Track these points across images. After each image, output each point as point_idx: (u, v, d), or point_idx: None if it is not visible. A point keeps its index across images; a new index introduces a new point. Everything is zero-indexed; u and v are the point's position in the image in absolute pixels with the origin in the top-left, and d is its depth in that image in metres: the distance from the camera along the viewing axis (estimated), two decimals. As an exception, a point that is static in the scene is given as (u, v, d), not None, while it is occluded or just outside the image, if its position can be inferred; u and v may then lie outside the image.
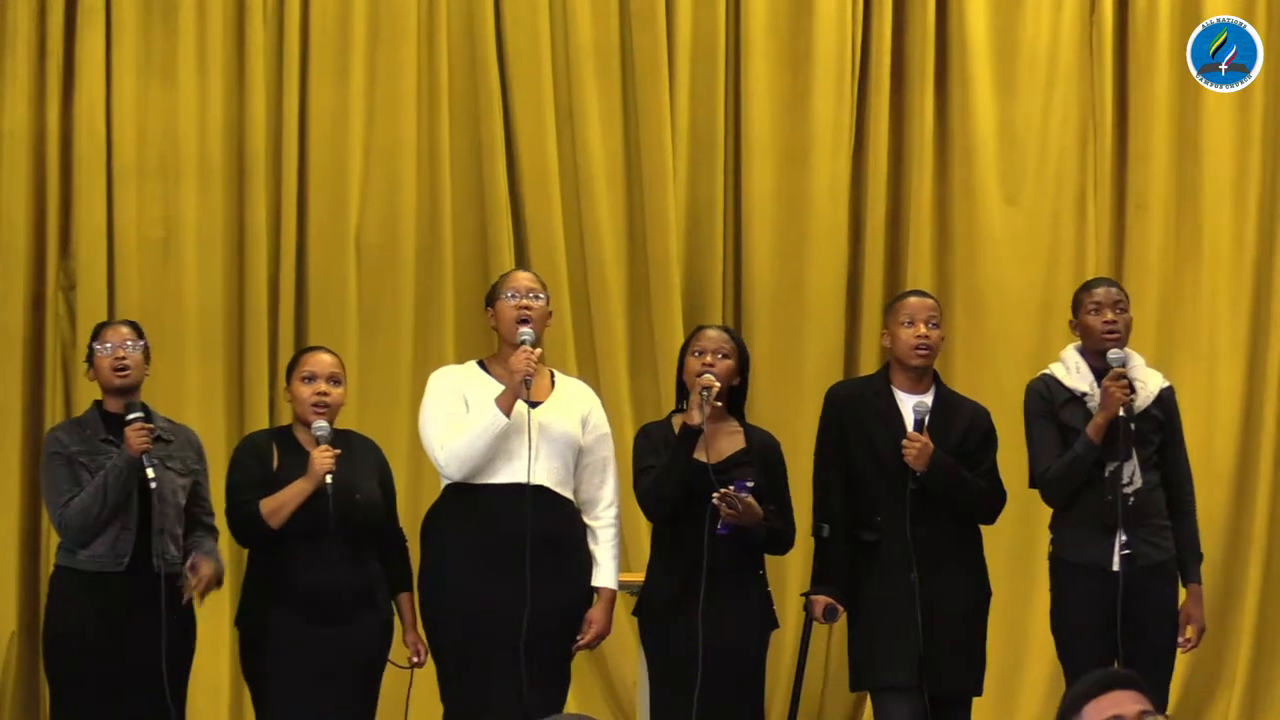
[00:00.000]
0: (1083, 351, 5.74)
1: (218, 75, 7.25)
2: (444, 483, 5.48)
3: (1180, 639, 5.75)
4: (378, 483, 5.52)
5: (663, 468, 5.40)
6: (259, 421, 7.02)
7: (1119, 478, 5.57)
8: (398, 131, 7.37)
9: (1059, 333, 7.43)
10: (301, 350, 5.85)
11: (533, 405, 5.37)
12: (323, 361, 5.50)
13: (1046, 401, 5.71)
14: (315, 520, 5.29)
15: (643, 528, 6.70)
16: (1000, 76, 7.77)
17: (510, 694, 5.24)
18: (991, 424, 5.70)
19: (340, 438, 5.46)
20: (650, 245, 7.55)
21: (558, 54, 7.52)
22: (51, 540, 6.17)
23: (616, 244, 7.55)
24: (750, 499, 5.33)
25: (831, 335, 7.65)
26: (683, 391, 5.56)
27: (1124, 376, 5.58)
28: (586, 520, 5.50)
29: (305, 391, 5.43)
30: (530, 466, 5.32)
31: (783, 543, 5.59)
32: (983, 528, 5.68)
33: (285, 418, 5.96)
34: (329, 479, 5.27)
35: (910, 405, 5.55)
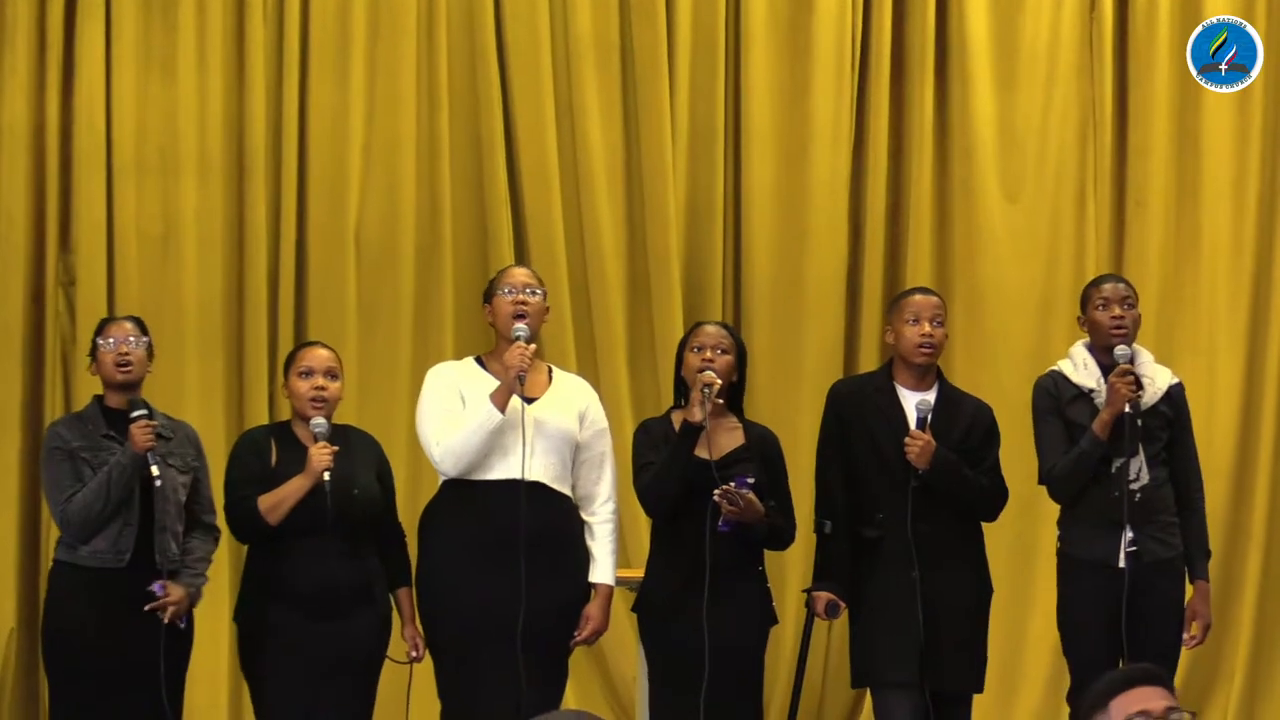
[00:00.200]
0: (1091, 348, 5.75)
1: (218, 70, 7.24)
2: (441, 478, 5.48)
3: (1186, 635, 5.75)
4: (376, 478, 5.52)
5: (663, 465, 5.40)
6: (258, 417, 7.01)
7: (1125, 474, 5.57)
8: (397, 127, 7.36)
9: (1058, 329, 7.46)
10: (299, 345, 5.86)
11: (529, 401, 5.37)
12: (320, 356, 5.50)
13: (1054, 398, 5.71)
14: (313, 516, 5.29)
15: (642, 524, 6.70)
16: (1000, 73, 7.76)
17: (507, 689, 5.24)
18: (994, 421, 5.70)
19: (339, 433, 5.46)
20: (650, 240, 7.55)
21: (557, 49, 7.51)
22: (51, 536, 6.17)
23: (616, 239, 7.55)
24: (751, 495, 5.33)
25: (831, 330, 7.64)
26: (682, 387, 5.56)
27: (1130, 373, 5.58)
28: (584, 516, 5.50)
29: (303, 386, 5.43)
30: (526, 462, 5.33)
31: (783, 539, 5.60)
32: (984, 524, 5.68)
33: (285, 413, 5.96)
34: (326, 476, 5.27)
35: (913, 402, 5.55)
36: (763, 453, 5.54)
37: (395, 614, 5.51)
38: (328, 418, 5.41)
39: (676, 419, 5.49)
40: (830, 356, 7.59)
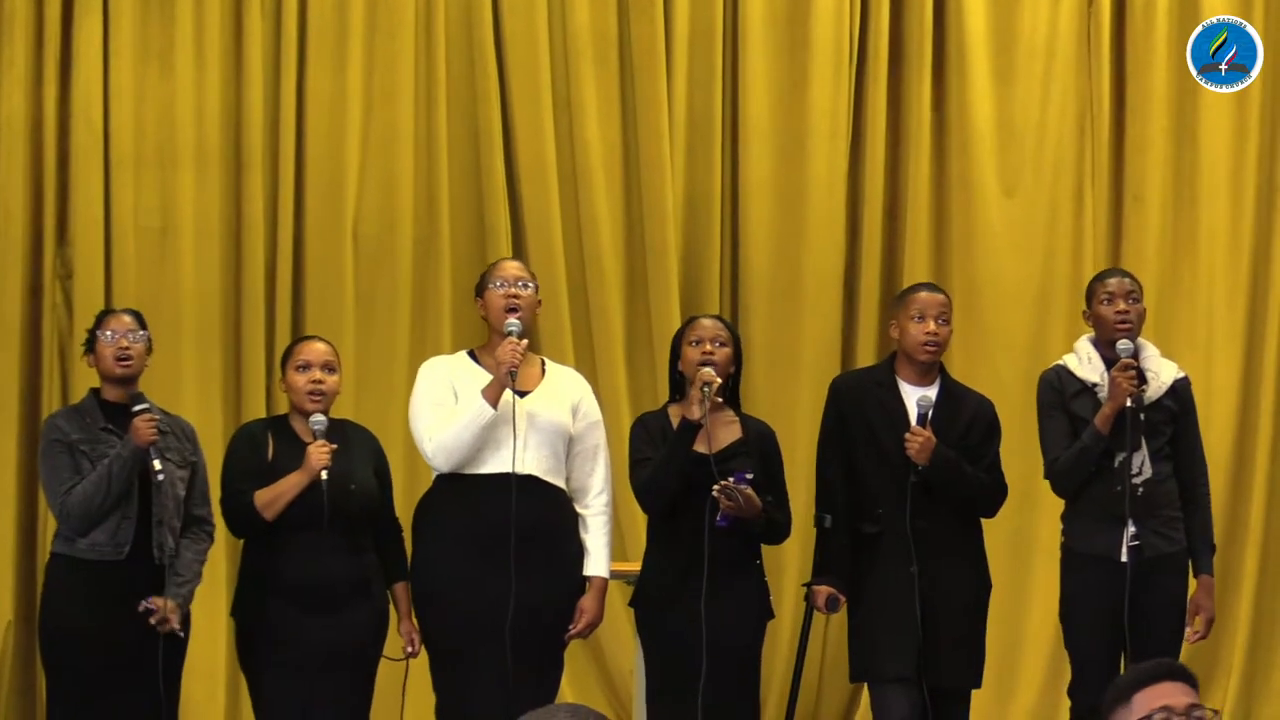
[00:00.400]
0: (1096, 342, 5.74)
1: (215, 64, 7.23)
2: (435, 473, 5.48)
3: (1189, 630, 5.75)
4: (373, 472, 5.51)
5: (662, 463, 5.40)
6: (256, 411, 7.00)
7: (1127, 468, 5.57)
8: (395, 121, 7.35)
9: (1056, 324, 7.47)
10: (296, 339, 5.84)
11: (521, 394, 5.36)
12: (317, 350, 5.49)
13: (1057, 392, 5.71)
14: (310, 511, 5.29)
15: (638, 517, 6.69)
16: (998, 67, 7.76)
17: (500, 682, 5.23)
18: (996, 417, 5.69)
19: (336, 427, 5.46)
20: (648, 234, 7.54)
21: (555, 43, 7.51)
22: (49, 529, 6.17)
23: (614, 233, 7.54)
24: (750, 491, 5.33)
25: (829, 324, 7.64)
26: (678, 382, 5.56)
27: (1132, 367, 5.58)
28: (578, 508, 5.49)
29: (300, 380, 5.43)
30: (517, 456, 5.32)
31: (779, 533, 5.59)
32: (983, 520, 5.68)
33: (282, 407, 5.95)
34: (324, 475, 5.27)
35: (915, 398, 5.55)
36: (760, 447, 5.53)
37: (392, 608, 5.51)
38: (325, 412, 5.40)
39: (673, 413, 5.49)
40: (828, 351, 7.59)
